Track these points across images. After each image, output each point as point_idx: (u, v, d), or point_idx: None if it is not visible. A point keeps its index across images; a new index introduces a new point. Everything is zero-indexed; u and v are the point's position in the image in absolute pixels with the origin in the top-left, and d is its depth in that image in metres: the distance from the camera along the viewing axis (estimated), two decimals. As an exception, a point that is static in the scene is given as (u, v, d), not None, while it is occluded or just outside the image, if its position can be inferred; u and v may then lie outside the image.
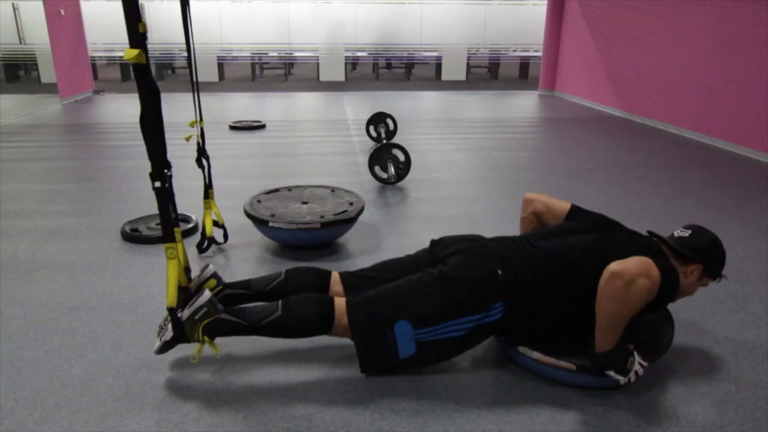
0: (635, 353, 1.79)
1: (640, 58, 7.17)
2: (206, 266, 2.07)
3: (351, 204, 3.12)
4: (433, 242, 2.13)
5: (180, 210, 3.49)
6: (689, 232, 1.95)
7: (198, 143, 2.82)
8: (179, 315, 1.85)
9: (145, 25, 1.69)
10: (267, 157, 5.20)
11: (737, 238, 3.28)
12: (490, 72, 12.92)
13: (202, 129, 2.82)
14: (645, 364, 1.79)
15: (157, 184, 1.83)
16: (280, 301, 1.90)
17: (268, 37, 11.07)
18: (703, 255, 1.91)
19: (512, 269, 1.86)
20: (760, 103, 5.26)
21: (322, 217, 2.92)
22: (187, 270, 2.01)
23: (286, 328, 1.90)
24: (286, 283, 2.06)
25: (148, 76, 1.73)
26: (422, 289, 1.87)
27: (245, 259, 2.91)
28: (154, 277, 2.69)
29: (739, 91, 5.51)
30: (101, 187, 4.14)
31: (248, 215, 2.96)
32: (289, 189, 3.38)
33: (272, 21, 10.96)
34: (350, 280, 2.09)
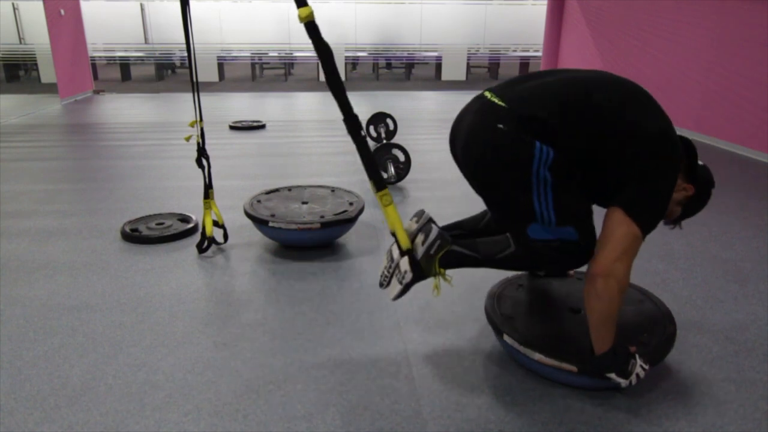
0: (637, 356, 1.79)
1: (640, 57, 7.17)
2: (422, 212, 1.98)
3: (351, 204, 3.12)
4: (451, 148, 1.98)
5: (180, 210, 3.51)
6: (703, 164, 1.89)
7: (198, 143, 2.82)
8: (414, 254, 1.85)
9: None
10: (267, 157, 5.20)
11: (737, 238, 3.28)
12: (490, 72, 12.92)
13: (202, 129, 2.82)
14: (647, 367, 1.78)
15: (363, 133, 1.88)
16: (510, 235, 1.85)
17: (268, 37, 11.07)
18: (701, 184, 1.85)
19: (510, 112, 1.67)
20: (759, 103, 5.26)
21: (322, 217, 2.92)
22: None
23: (521, 262, 1.90)
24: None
25: (318, 33, 1.74)
26: (494, 206, 1.88)
27: (245, 259, 2.91)
28: (154, 277, 2.69)
29: (739, 91, 5.51)
30: (101, 187, 4.14)
31: (248, 215, 2.96)
32: (289, 189, 3.38)
33: (272, 21, 10.97)
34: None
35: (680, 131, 6.46)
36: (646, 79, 7.05)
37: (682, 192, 1.83)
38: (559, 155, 1.65)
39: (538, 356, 1.86)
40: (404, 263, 1.84)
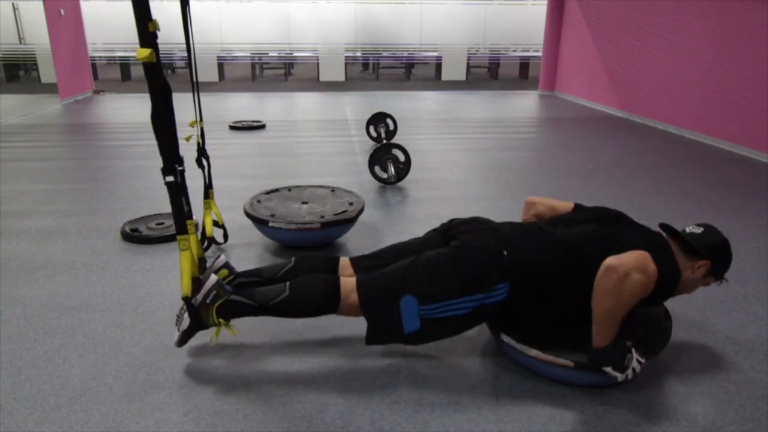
0: (633, 350, 1.79)
1: (640, 57, 7.17)
2: (218, 257, 2.12)
3: (351, 204, 3.12)
4: (447, 223, 2.16)
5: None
6: (702, 229, 1.95)
7: (198, 143, 2.82)
8: (192, 302, 1.89)
9: (155, 24, 1.71)
10: (267, 157, 5.20)
11: (737, 237, 3.27)
12: (490, 72, 12.93)
13: (202, 129, 2.82)
14: (643, 361, 1.79)
15: (169, 178, 1.88)
16: (287, 283, 1.95)
17: (268, 37, 11.07)
18: (712, 252, 1.90)
19: (518, 251, 1.87)
20: (759, 103, 5.26)
21: (322, 217, 2.92)
22: (202, 261, 2.06)
23: (293, 308, 1.94)
24: (295, 269, 2.10)
25: (159, 74, 1.77)
26: (430, 266, 1.88)
27: (245, 259, 2.91)
28: (154, 277, 2.69)
29: (739, 91, 5.51)
30: (101, 187, 4.14)
31: (248, 215, 2.96)
32: (289, 189, 3.38)
33: (272, 21, 10.96)
34: (360, 262, 2.12)
35: (680, 131, 6.47)
36: (647, 79, 7.07)
37: (701, 269, 1.91)
38: (506, 301, 1.85)
39: (534, 353, 1.86)
40: (186, 310, 1.91)
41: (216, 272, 2.06)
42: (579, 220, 2.07)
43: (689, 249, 1.91)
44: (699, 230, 1.95)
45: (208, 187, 2.92)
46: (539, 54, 10.43)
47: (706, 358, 2.09)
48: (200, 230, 2.99)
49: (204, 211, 2.94)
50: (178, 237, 1.91)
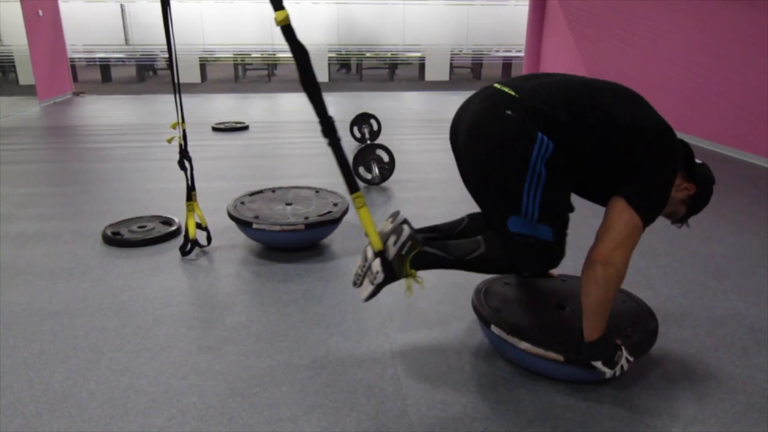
0: (623, 348, 1.81)
1: (621, 57, 7.26)
2: (397, 213, 2.00)
3: (335, 205, 3.11)
4: (450, 138, 2.03)
5: (162, 212, 3.47)
6: (700, 161, 1.93)
7: (180, 145, 2.80)
8: (385, 255, 1.85)
9: None
10: (250, 158, 5.18)
11: (715, 235, 3.34)
12: (473, 72, 12.98)
13: (184, 131, 2.80)
14: (631, 359, 1.81)
15: (327, 140, 1.87)
16: (480, 238, 1.89)
17: (251, 37, 11.01)
18: (702, 180, 1.89)
19: (519, 102, 1.73)
20: (737, 101, 5.36)
21: (306, 218, 2.92)
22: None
23: (490, 264, 1.89)
24: (471, 227, 2.07)
25: (294, 35, 1.76)
26: (481, 188, 1.87)
27: (229, 261, 2.90)
28: (137, 280, 2.66)
29: (718, 90, 5.61)
30: (82, 190, 4.09)
31: (232, 217, 2.94)
32: (273, 190, 3.37)
33: (255, 22, 10.91)
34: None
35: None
36: (627, 78, 7.14)
37: (683, 191, 1.88)
38: (558, 151, 1.70)
39: (524, 345, 1.87)
40: (376, 264, 1.85)
41: (399, 225, 1.95)
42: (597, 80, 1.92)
43: (688, 169, 1.88)
44: (699, 161, 1.92)
45: (190, 189, 2.90)
46: (521, 54, 10.51)
47: (686, 354, 2.12)
48: (183, 233, 2.96)
49: (187, 213, 2.92)
50: (353, 195, 1.88)
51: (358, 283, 1.92)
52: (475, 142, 1.80)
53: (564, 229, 1.82)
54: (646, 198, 1.74)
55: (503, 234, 1.81)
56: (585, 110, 1.74)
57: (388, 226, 1.90)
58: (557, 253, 1.83)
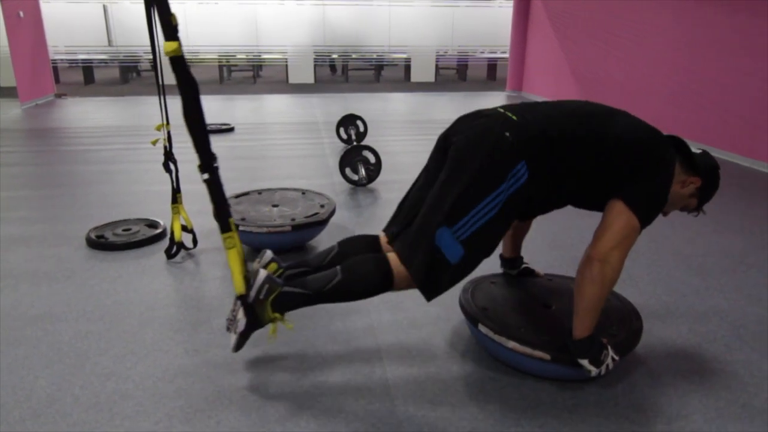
0: (609, 347, 1.83)
1: (605, 58, 7.34)
2: (264, 252, 2.02)
3: (322, 206, 3.11)
4: (440, 138, 2.03)
5: (148, 215, 3.45)
6: (701, 151, 1.95)
7: (165, 147, 2.78)
8: (246, 300, 1.83)
9: (176, 18, 1.70)
10: (236, 160, 5.15)
11: (698, 233, 3.38)
12: (458, 73, 13.05)
13: (169, 132, 2.78)
14: (617, 358, 1.84)
15: (206, 176, 1.85)
16: (338, 266, 1.87)
17: (236, 39, 10.97)
18: (707, 171, 1.91)
19: (520, 128, 1.77)
20: (719, 102, 5.44)
21: (293, 219, 2.91)
22: (243, 263, 1.97)
23: (350, 290, 1.86)
24: (341, 254, 2.03)
25: (185, 68, 1.73)
26: (440, 187, 1.78)
27: (215, 264, 2.88)
28: (122, 284, 2.64)
29: (701, 91, 5.69)
30: (65, 193, 4.04)
31: (218, 219, 2.92)
32: (259, 192, 3.36)
33: (239, 23, 10.87)
34: (391, 230, 2.03)
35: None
36: (611, 80, 7.23)
37: (690, 186, 1.91)
38: (530, 185, 1.74)
39: (512, 344, 1.88)
40: (240, 310, 1.83)
41: (264, 267, 1.97)
42: (587, 102, 1.98)
43: (688, 163, 1.90)
44: (698, 151, 1.95)
45: (176, 192, 2.88)
46: (506, 55, 10.58)
47: (670, 350, 2.15)
48: (169, 235, 2.94)
49: (172, 216, 2.89)
50: (224, 235, 1.86)
51: (230, 330, 1.89)
52: (466, 148, 1.79)
53: (473, 263, 1.80)
54: (644, 200, 1.78)
55: (422, 239, 1.76)
56: (582, 135, 1.79)
57: (254, 267, 1.90)
58: (448, 280, 1.79)
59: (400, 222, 2.00)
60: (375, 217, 3.64)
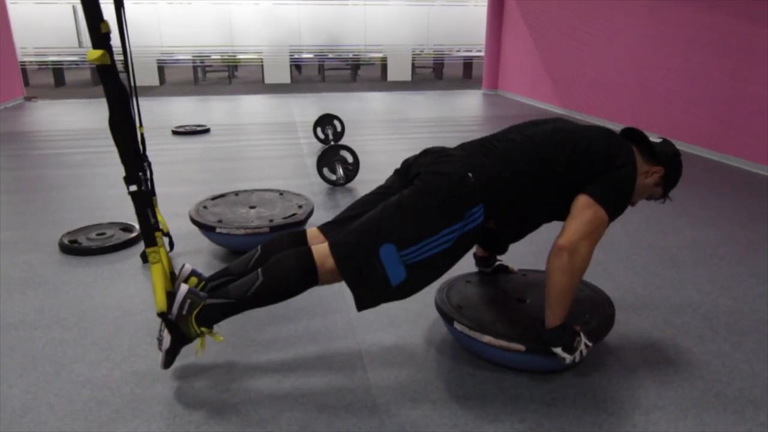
0: (581, 334, 1.86)
1: (578, 56, 7.43)
2: (183, 266, 1.99)
3: (300, 207, 3.10)
4: (403, 163, 2.05)
5: (123, 219, 3.39)
6: (661, 139, 2.00)
7: (139, 149, 2.73)
8: (169, 317, 1.79)
9: (107, 25, 1.64)
10: (212, 161, 5.10)
11: (671, 227, 3.45)
12: (434, 72, 13.10)
13: (142, 135, 2.74)
14: (590, 344, 1.86)
15: (133, 188, 1.78)
16: (259, 269, 1.83)
17: (210, 39, 10.85)
18: (668, 160, 1.96)
19: (483, 169, 1.82)
20: (687, 97, 5.55)
21: (270, 221, 2.89)
22: (172, 275, 1.95)
23: (272, 292, 1.82)
24: (264, 256, 1.97)
25: (113, 76, 1.68)
26: (399, 209, 1.79)
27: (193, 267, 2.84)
28: (97, 289, 2.59)
29: (672, 87, 5.80)
30: (37, 198, 3.95)
31: (194, 222, 2.90)
32: (236, 194, 3.33)
33: (214, 23, 10.76)
34: (328, 227, 2.01)
35: (618, 126, 6.74)
36: (585, 77, 7.33)
37: (654, 175, 1.96)
38: (483, 227, 1.82)
39: (487, 338, 1.90)
40: (165, 328, 1.81)
41: (185, 281, 1.94)
42: (537, 124, 2.03)
43: (649, 153, 1.95)
44: (659, 140, 2.00)
45: (150, 195, 2.83)
46: (482, 54, 10.65)
47: (646, 342, 2.19)
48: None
49: (148, 220, 2.85)
50: (148, 250, 1.82)
51: (159, 347, 1.86)
52: (434, 181, 1.81)
53: (409, 290, 1.82)
54: (610, 194, 1.81)
55: (364, 250, 1.76)
56: (535, 170, 1.84)
57: (176, 282, 1.88)
58: (379, 297, 1.81)
59: (340, 217, 2.00)
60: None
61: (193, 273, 1.97)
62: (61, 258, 2.94)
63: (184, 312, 1.78)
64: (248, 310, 1.86)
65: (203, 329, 1.80)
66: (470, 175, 1.79)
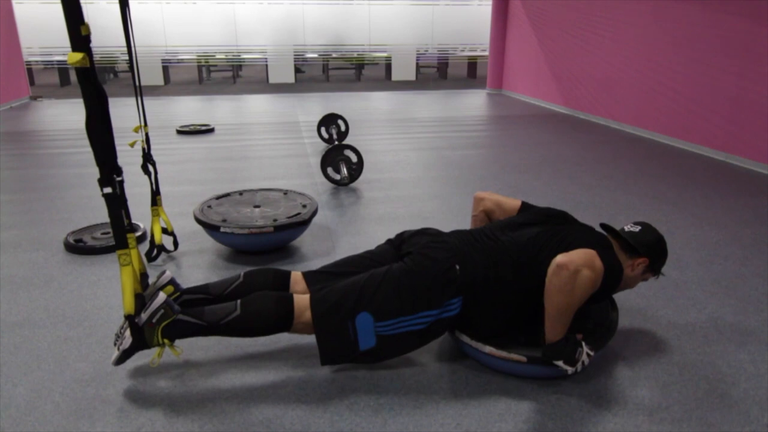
0: (583, 343, 1.85)
1: (582, 56, 7.41)
2: (163, 272, 2.02)
3: (304, 206, 3.10)
4: (397, 236, 2.15)
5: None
6: (639, 228, 2.05)
7: (143, 149, 2.75)
8: (136, 321, 1.80)
9: (88, 28, 1.64)
10: (216, 161, 5.11)
11: (676, 227, 3.44)
12: (439, 72, 13.09)
13: (147, 134, 2.75)
14: (592, 353, 1.86)
15: (107, 190, 1.78)
16: (238, 301, 1.88)
17: (215, 39, 10.87)
18: (650, 250, 2.01)
19: (470, 264, 1.90)
20: (690, 96, 5.53)
21: (275, 220, 2.89)
22: (144, 276, 1.96)
23: (245, 327, 1.87)
24: (245, 285, 2.03)
25: (92, 79, 1.69)
26: (385, 282, 1.87)
27: (197, 266, 2.85)
28: (101, 288, 2.60)
29: (673, 87, 5.78)
30: (42, 197, 3.97)
31: (199, 221, 2.90)
32: (241, 193, 3.33)
33: (218, 23, 10.77)
34: (313, 277, 2.08)
35: (621, 126, 6.70)
36: (588, 77, 7.31)
37: (640, 266, 2.02)
38: (459, 317, 1.90)
39: (488, 349, 1.90)
40: (128, 329, 1.83)
41: (160, 289, 1.95)
42: (525, 223, 2.11)
43: (628, 248, 2.02)
44: (637, 229, 2.05)
45: (155, 194, 2.84)
46: (486, 53, 10.63)
47: (650, 344, 2.18)
48: (149, 238, 2.91)
49: (152, 219, 2.86)
50: (118, 252, 1.82)
51: (116, 344, 1.87)
52: (423, 263, 1.90)
53: (375, 356, 1.91)
54: (607, 262, 1.83)
55: (343, 309, 1.84)
56: (517, 274, 1.91)
57: (150, 288, 1.90)
58: (344, 357, 1.88)
59: (327, 273, 2.08)
60: (358, 216, 3.64)
61: (171, 282, 2.00)
62: (66, 257, 2.96)
63: (154, 321, 1.81)
64: (215, 335, 1.90)
65: (166, 341, 1.83)
66: (457, 267, 1.89)
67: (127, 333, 1.82)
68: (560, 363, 1.81)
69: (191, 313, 1.85)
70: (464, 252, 1.94)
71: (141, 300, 1.83)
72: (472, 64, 12.85)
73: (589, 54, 7.25)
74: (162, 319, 1.81)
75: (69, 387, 1.89)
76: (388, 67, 12.00)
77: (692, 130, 5.57)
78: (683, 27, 5.60)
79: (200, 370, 1.99)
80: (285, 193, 3.33)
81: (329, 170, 4.26)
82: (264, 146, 5.74)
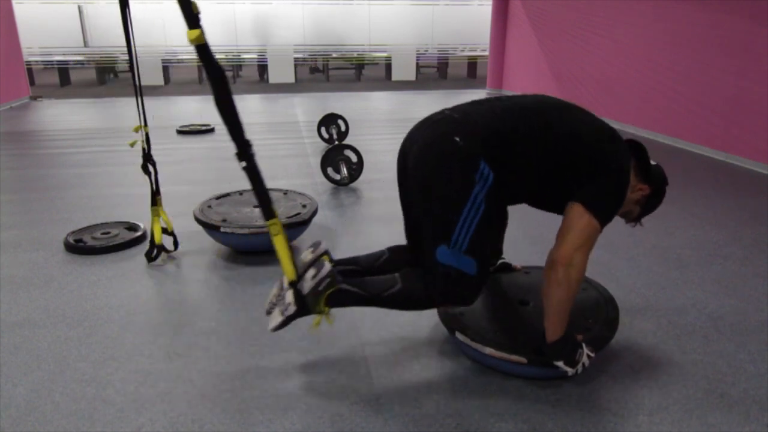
0: (583, 345, 1.85)
1: (582, 56, 7.41)
2: (319, 243, 1.96)
3: (304, 206, 3.10)
4: (401, 155, 2.02)
5: (127, 218, 3.40)
6: (655, 163, 2.00)
7: (143, 149, 2.75)
8: (299, 288, 1.80)
9: (197, 7, 1.69)
10: (216, 161, 5.11)
11: (676, 227, 3.44)
12: (439, 71, 13.08)
13: (147, 134, 2.75)
14: (592, 355, 1.86)
15: (244, 164, 1.84)
16: (397, 274, 1.87)
17: (214, 38, 10.86)
18: (656, 182, 1.97)
19: (468, 128, 1.77)
20: (694, 97, 5.53)
21: (275, 220, 2.89)
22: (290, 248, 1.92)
23: (407, 300, 1.86)
24: (392, 260, 2.04)
25: (210, 55, 1.71)
26: (422, 215, 1.82)
27: (197, 266, 2.85)
28: (101, 288, 2.60)
29: (673, 87, 5.78)
30: (42, 197, 3.97)
31: (199, 221, 2.90)
32: (241, 193, 3.33)
33: (218, 22, 10.78)
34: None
35: (622, 126, 6.70)
36: (588, 76, 7.31)
37: (638, 192, 1.95)
38: (498, 182, 1.73)
39: (488, 350, 1.90)
40: (290, 295, 1.82)
41: (318, 258, 1.90)
42: (546, 98, 1.97)
43: (643, 170, 1.95)
44: (653, 163, 2.00)
45: (155, 194, 2.84)
46: (486, 53, 10.63)
47: (650, 343, 2.18)
48: (149, 238, 2.91)
49: (152, 218, 2.86)
50: (268, 222, 1.83)
51: (269, 311, 1.87)
52: (423, 166, 1.79)
53: (487, 264, 1.84)
54: (601, 201, 1.79)
55: (429, 264, 1.79)
56: (532, 131, 1.79)
57: (309, 257, 1.88)
58: (475, 287, 1.82)
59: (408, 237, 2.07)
60: (358, 215, 3.64)
61: (327, 252, 1.93)
62: (66, 257, 2.96)
63: (320, 288, 1.79)
64: (371, 306, 1.89)
65: (326, 309, 1.82)
66: (457, 139, 1.74)
67: (291, 299, 1.80)
68: (560, 364, 1.81)
69: (353, 283, 1.85)
70: (457, 120, 1.80)
71: (303, 269, 1.82)
72: (472, 64, 12.84)
73: (589, 54, 7.25)
74: (328, 287, 1.79)
75: (69, 387, 1.89)
76: (388, 67, 12.00)
77: (692, 130, 5.57)
78: (683, 27, 5.60)
79: (199, 369, 1.99)
80: (285, 193, 3.33)
81: (329, 170, 4.27)
82: (264, 146, 5.74)
